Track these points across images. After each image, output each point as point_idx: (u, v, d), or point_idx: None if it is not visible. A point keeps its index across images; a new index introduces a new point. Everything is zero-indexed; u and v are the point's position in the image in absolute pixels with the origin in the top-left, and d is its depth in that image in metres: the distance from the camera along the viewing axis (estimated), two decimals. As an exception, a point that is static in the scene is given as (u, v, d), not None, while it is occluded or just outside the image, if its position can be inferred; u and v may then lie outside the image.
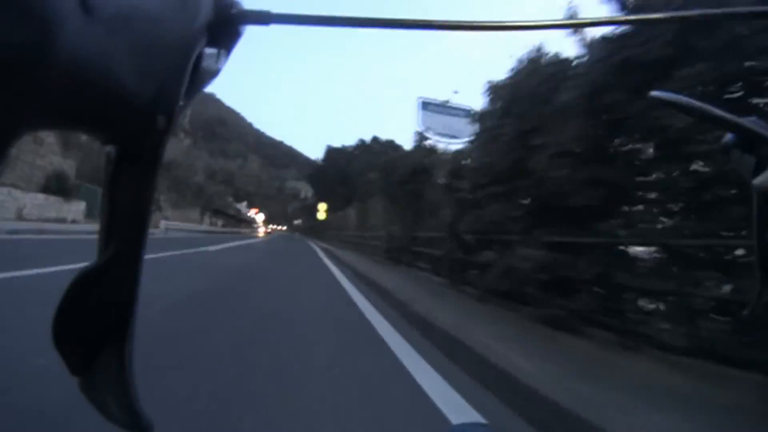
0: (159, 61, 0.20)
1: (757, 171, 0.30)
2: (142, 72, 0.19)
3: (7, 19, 0.15)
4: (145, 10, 0.19)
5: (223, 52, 0.23)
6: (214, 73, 0.24)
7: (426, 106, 8.01)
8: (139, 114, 0.20)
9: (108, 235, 0.22)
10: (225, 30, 0.23)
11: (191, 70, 0.22)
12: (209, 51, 0.23)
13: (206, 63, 0.23)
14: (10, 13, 0.15)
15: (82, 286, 0.21)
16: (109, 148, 0.21)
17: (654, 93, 0.31)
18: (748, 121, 0.30)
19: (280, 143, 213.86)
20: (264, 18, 0.23)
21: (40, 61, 0.16)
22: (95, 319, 0.22)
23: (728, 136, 0.31)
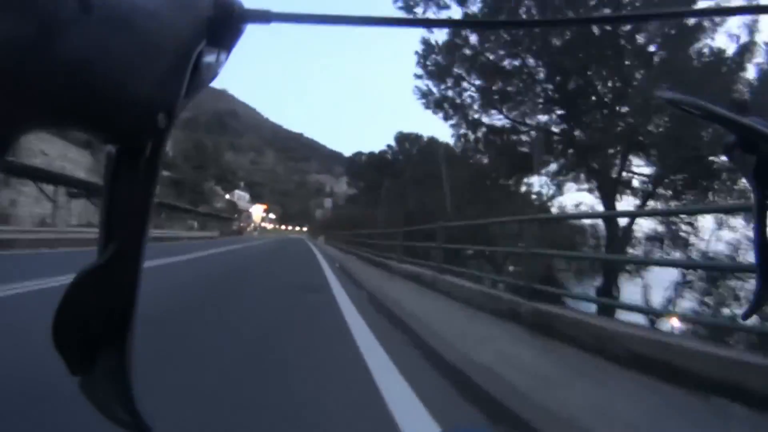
0: (159, 60, 0.20)
1: (758, 170, 0.30)
2: (142, 71, 0.19)
3: (7, 18, 0.15)
4: (145, 9, 0.19)
5: (223, 50, 0.23)
6: (214, 72, 0.23)
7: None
8: (139, 113, 0.20)
9: (108, 235, 0.22)
10: (225, 28, 0.23)
11: (191, 69, 0.21)
12: (209, 50, 0.22)
13: (206, 61, 0.22)
14: (10, 13, 0.15)
15: (82, 286, 0.21)
16: (109, 148, 0.21)
17: (659, 93, 0.30)
18: (751, 121, 0.30)
19: (300, 135, 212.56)
20: (264, 16, 0.23)
21: (40, 61, 0.16)
22: (95, 319, 0.22)
23: (730, 136, 0.31)
